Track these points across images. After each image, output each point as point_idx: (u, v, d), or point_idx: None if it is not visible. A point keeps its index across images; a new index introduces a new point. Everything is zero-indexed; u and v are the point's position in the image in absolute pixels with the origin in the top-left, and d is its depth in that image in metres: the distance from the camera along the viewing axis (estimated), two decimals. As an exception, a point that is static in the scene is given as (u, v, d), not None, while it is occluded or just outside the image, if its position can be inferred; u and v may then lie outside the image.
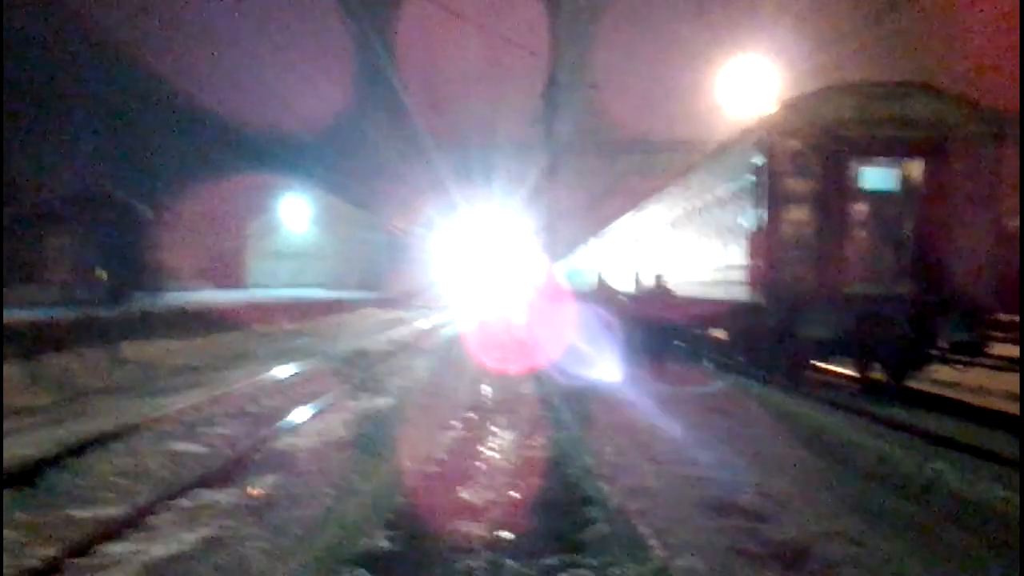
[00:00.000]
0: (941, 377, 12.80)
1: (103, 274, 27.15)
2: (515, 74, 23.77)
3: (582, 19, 21.23)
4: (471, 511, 6.26)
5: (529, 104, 23.95)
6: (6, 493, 6.60)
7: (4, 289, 22.65)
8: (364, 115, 37.60)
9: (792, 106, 12.30)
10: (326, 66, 32.47)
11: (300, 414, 9.65)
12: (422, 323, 31.01)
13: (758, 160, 12.11)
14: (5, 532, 5.73)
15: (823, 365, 13.99)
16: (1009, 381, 13.07)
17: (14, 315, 13.82)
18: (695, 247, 16.53)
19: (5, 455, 7.46)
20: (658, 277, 15.94)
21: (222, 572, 4.57)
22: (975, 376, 13.02)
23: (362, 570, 4.90)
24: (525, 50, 20.64)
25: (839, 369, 14.04)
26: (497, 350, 17.60)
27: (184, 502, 6.19)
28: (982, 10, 21.53)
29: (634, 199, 22.50)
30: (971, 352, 11.99)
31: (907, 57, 21.76)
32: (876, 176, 11.84)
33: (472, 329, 23.91)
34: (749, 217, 12.50)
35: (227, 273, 42.71)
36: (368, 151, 42.31)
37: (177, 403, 10.19)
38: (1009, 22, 19.82)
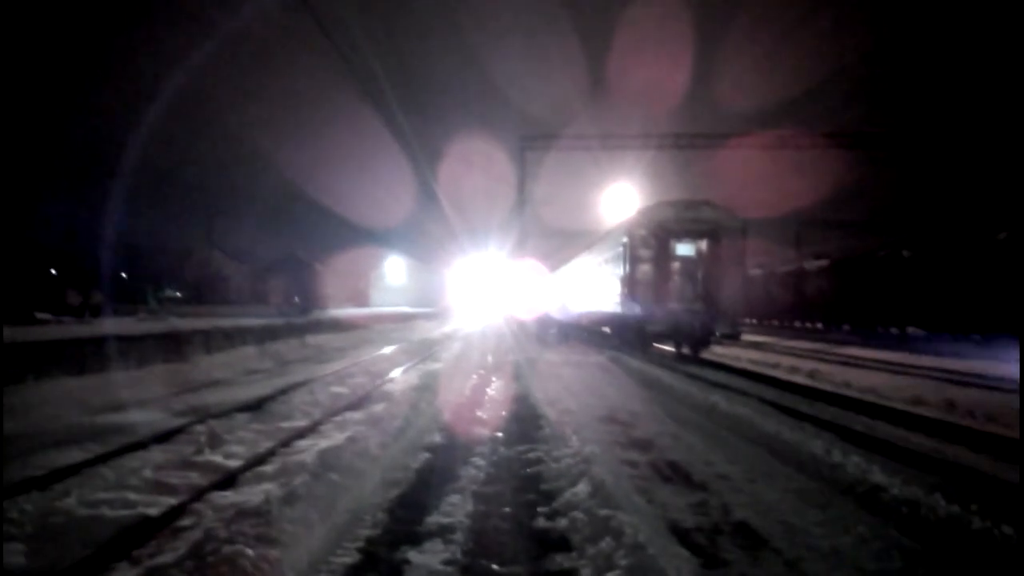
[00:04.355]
0: (717, 351, 16.28)
1: (297, 299, 35.89)
2: (501, 194, 35.50)
3: (531, 169, 30.21)
4: (481, 423, 7.53)
5: (507, 209, 34.43)
6: (250, 413, 7.54)
7: (245, 307, 31.39)
8: (425, 215, 58.35)
9: (641, 212, 16.35)
10: (406, 191, 51.57)
11: (395, 372, 11.76)
12: (453, 324, 38.78)
13: (625, 240, 15.99)
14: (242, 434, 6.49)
15: (658, 345, 17.19)
16: (754, 355, 16.72)
17: (253, 321, 17.83)
18: (595, 284, 20.56)
19: (251, 395, 8.87)
20: (564, 303, 21.86)
21: (356, 455, 5.27)
22: (734, 351, 16.93)
23: (426, 453, 5.91)
24: (506, 182, 31.23)
25: (665, 347, 17.27)
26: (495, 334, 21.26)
27: (337, 418, 7.38)
28: (735, 165, 31.37)
29: (561, 260, 30.18)
30: (732, 338, 15.67)
31: (701, 186, 30.97)
32: (683, 248, 15.65)
33: (483, 326, 29.72)
34: (620, 269, 16.39)
35: (360, 299, 65.22)
36: (427, 235, 65.15)
37: (334, 367, 13.10)
38: (743, 172, 30.10)
